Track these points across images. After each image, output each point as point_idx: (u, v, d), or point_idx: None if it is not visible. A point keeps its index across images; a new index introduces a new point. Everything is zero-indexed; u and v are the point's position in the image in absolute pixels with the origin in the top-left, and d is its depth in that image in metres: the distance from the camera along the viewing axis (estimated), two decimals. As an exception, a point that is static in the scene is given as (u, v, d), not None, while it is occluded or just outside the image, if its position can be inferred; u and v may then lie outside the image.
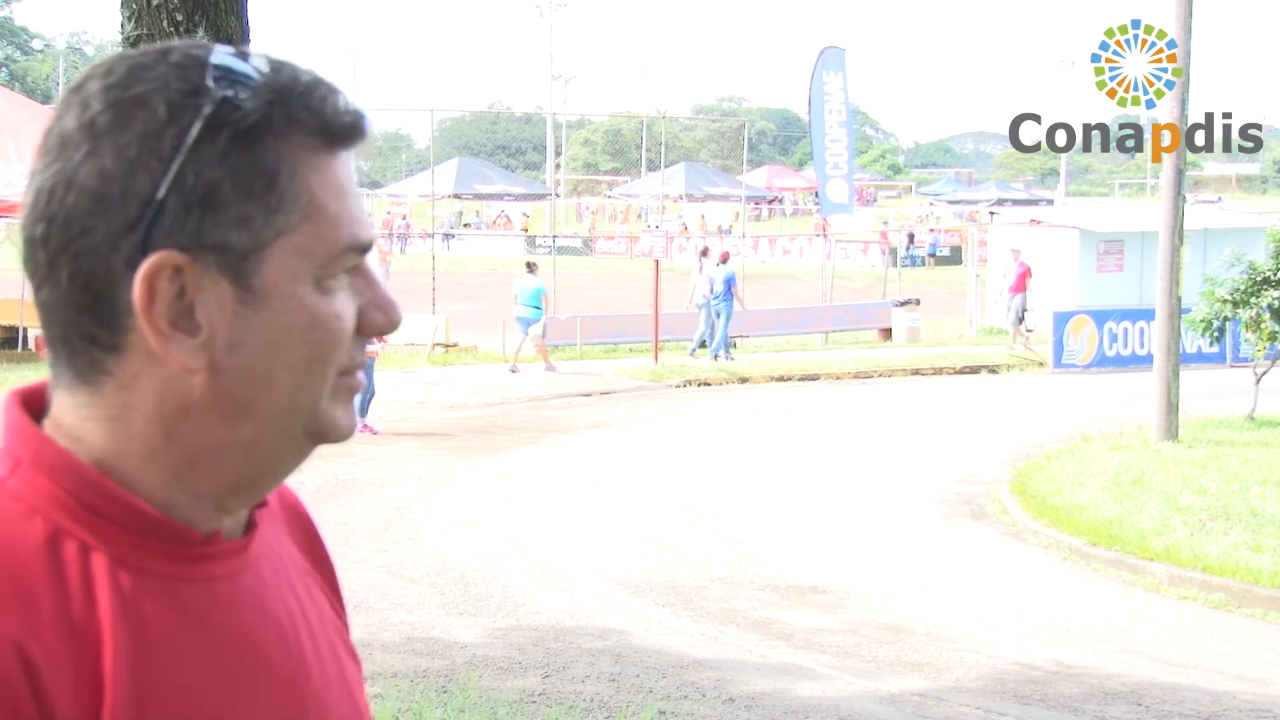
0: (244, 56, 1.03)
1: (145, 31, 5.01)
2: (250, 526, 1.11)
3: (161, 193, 0.99)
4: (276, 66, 1.03)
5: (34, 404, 1.06)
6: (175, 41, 1.05)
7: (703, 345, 22.38)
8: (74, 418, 1.04)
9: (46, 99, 57.13)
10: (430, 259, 25.95)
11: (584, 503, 11.78)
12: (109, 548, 1.01)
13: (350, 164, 1.08)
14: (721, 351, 22.08)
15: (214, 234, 1.01)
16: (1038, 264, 26.53)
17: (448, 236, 47.31)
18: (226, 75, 1.01)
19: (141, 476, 1.03)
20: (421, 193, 47.36)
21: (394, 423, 15.25)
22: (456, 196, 53.80)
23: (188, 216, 1.00)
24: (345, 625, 1.24)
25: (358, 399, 1.24)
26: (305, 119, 1.03)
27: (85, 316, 1.01)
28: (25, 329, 20.80)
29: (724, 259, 23.33)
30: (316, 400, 1.06)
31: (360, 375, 1.10)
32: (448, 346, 22.06)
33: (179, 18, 4.98)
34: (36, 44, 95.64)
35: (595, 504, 11.73)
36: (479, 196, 56.39)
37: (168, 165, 0.99)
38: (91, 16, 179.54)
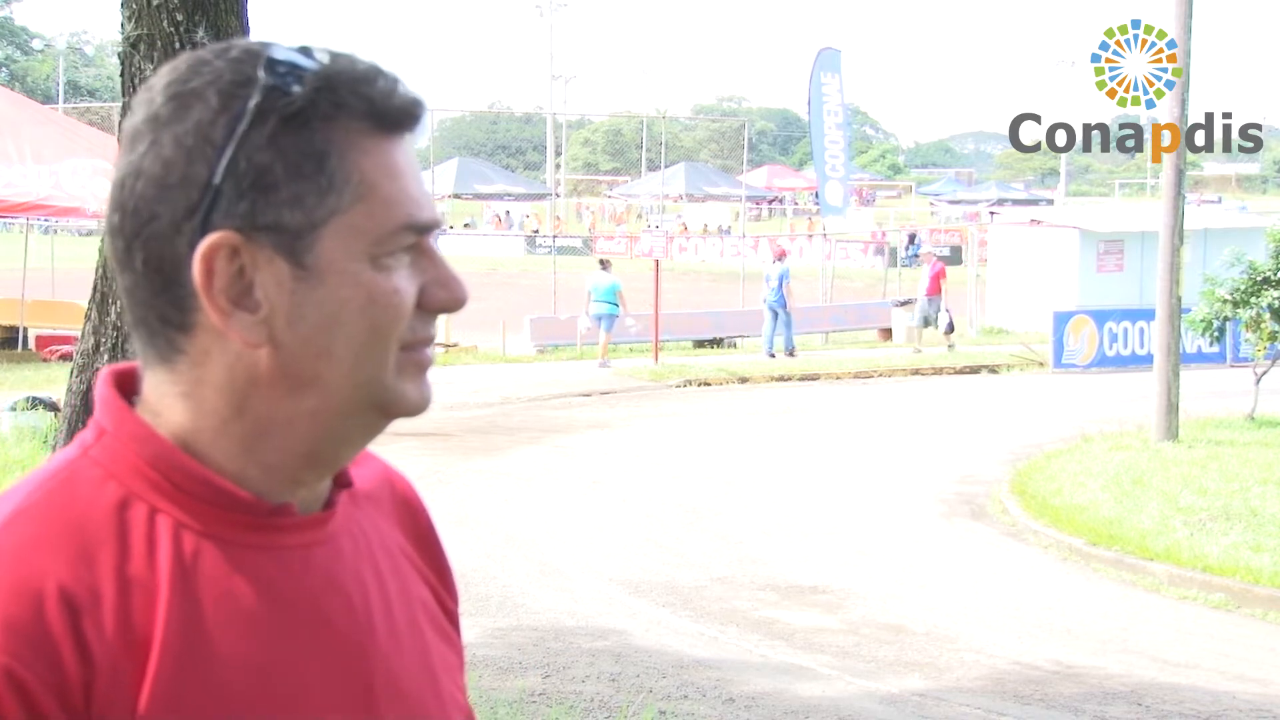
0: (308, 52, 1.08)
1: (145, 31, 5.00)
2: (330, 503, 1.16)
3: (217, 178, 1.05)
4: (336, 58, 1.09)
5: (125, 382, 1.14)
6: (242, 40, 1.11)
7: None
8: (156, 394, 1.11)
9: (46, 99, 57.09)
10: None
11: (584, 503, 11.78)
12: (176, 513, 1.08)
13: (409, 148, 1.12)
14: (787, 348, 22.16)
15: (267, 214, 1.06)
16: (1038, 264, 26.53)
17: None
18: (279, 66, 1.07)
19: (214, 449, 1.09)
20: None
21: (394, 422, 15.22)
22: (457, 196, 53.79)
23: (241, 199, 1.06)
24: (448, 612, 1.27)
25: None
26: (353, 104, 1.08)
27: (160, 299, 1.08)
28: (25, 329, 20.78)
29: (780, 256, 23.29)
30: (379, 373, 1.10)
31: (431, 351, 1.13)
32: (448, 346, 22.06)
33: (179, 18, 4.97)
34: (36, 44, 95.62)
35: (595, 504, 11.73)
36: (479, 196, 56.42)
37: (221, 151, 1.05)
38: (91, 16, 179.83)
